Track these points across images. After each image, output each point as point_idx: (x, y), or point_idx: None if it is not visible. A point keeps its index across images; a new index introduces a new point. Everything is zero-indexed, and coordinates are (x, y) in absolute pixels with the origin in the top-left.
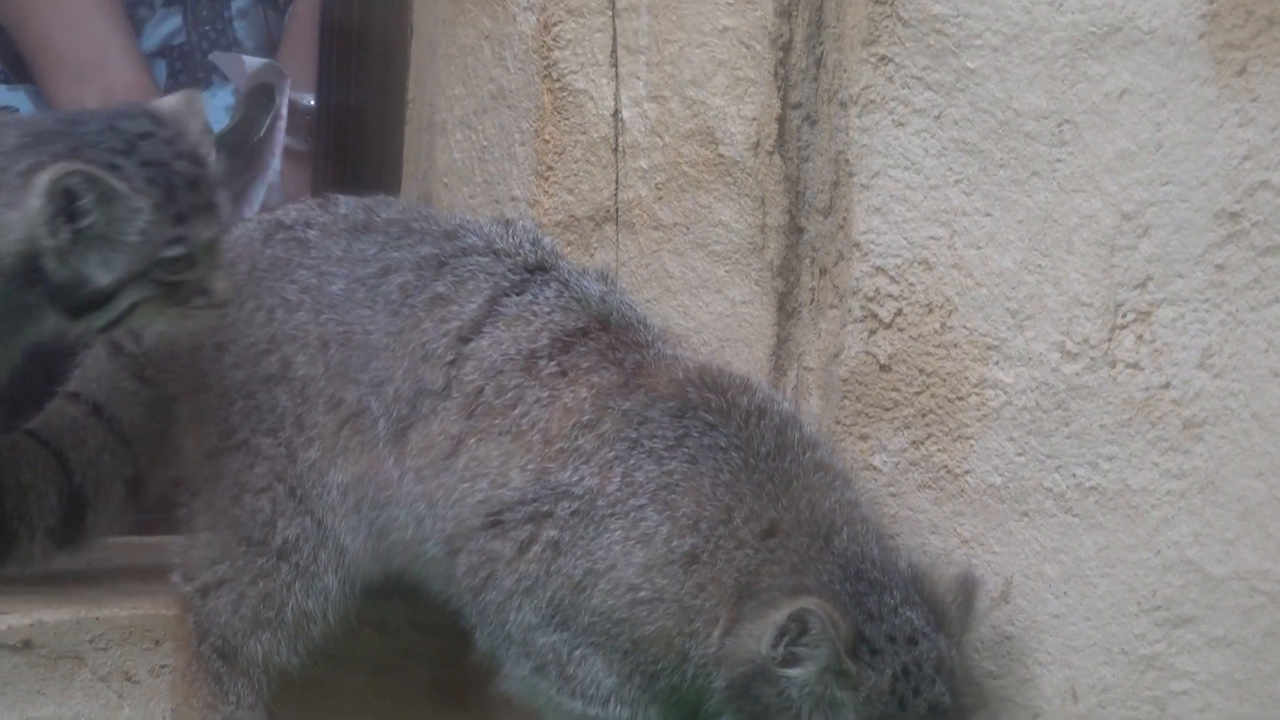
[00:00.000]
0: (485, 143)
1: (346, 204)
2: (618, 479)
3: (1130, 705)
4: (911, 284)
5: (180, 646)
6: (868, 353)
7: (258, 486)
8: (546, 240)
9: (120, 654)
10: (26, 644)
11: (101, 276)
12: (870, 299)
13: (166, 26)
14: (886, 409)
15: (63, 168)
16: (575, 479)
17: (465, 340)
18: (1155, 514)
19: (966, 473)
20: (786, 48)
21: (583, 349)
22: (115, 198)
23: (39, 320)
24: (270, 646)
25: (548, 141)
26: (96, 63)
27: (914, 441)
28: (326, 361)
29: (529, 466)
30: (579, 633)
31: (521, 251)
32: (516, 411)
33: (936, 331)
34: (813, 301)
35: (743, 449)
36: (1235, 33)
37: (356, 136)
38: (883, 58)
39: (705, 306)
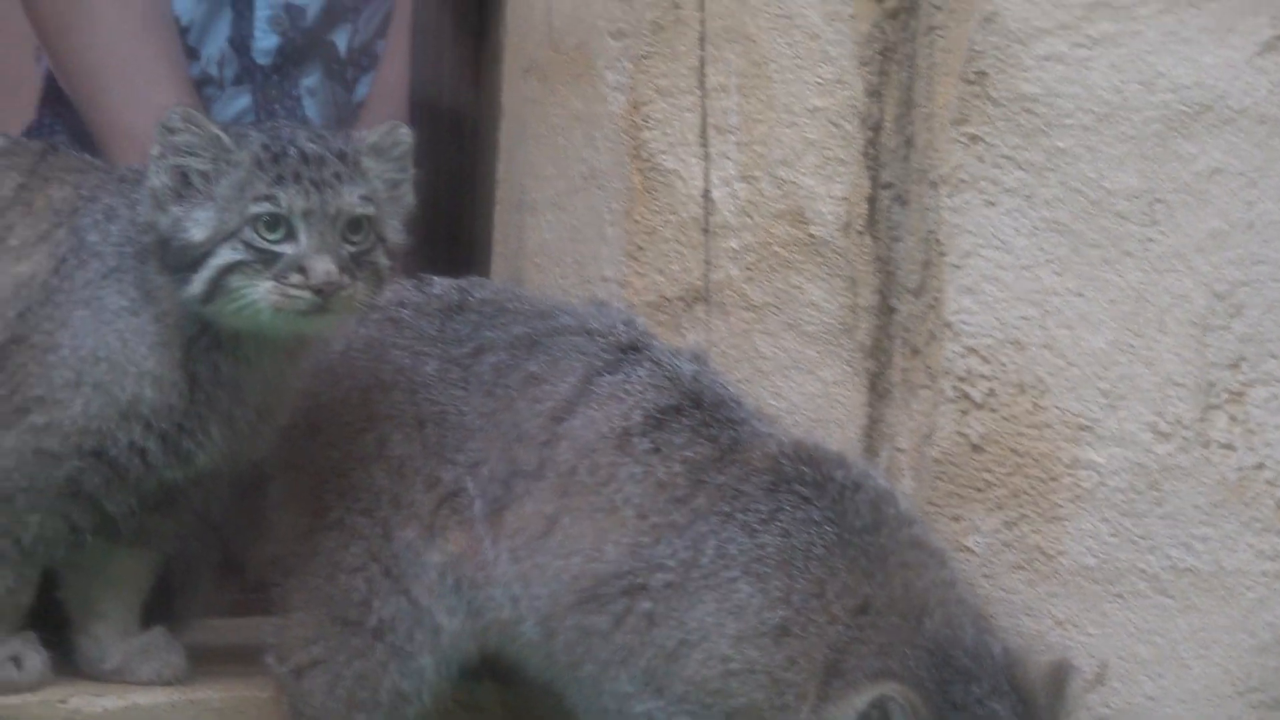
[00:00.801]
0: (576, 223)
1: (440, 284)
2: (711, 551)
3: None
4: (1003, 364)
5: None
6: (960, 433)
7: (353, 565)
8: (639, 320)
9: None
10: None
11: (196, 229)
12: (962, 379)
13: (236, 105)
14: (979, 490)
15: (175, 109)
16: (669, 552)
17: (559, 420)
18: (1250, 595)
19: (1060, 554)
20: (876, 127)
21: (676, 425)
22: (218, 143)
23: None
24: None
25: (638, 222)
26: None
27: (1007, 522)
28: (423, 440)
29: (623, 541)
30: (673, 701)
31: (615, 331)
32: (610, 488)
33: (1029, 412)
34: (904, 382)
35: (837, 523)
36: None
37: (445, 217)
38: (973, 137)
39: (797, 387)
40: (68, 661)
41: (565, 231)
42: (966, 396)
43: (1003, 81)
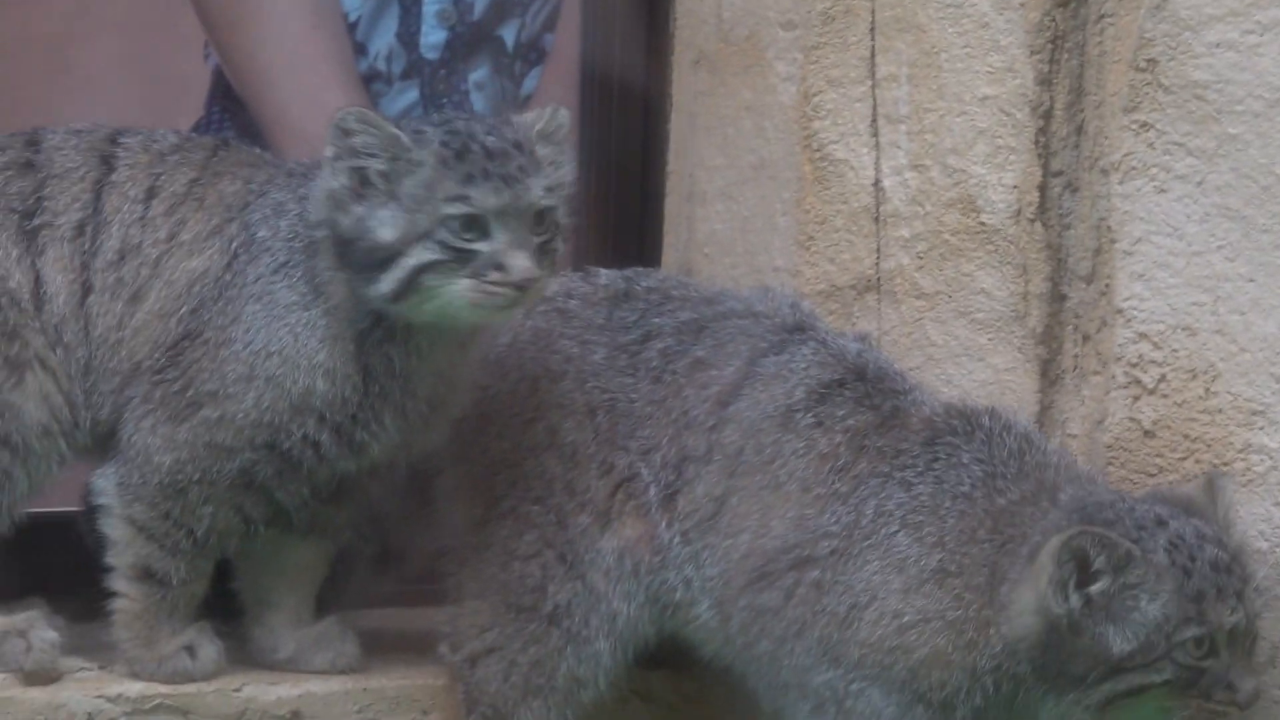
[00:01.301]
0: (746, 213)
1: (606, 275)
2: (871, 512)
3: None
4: (1175, 350)
5: (449, 717)
6: (1132, 419)
7: (527, 553)
8: (805, 304)
9: None
10: (295, 714)
11: (385, 230)
12: (1134, 365)
13: (404, 99)
14: (1151, 475)
15: (348, 111)
16: (833, 520)
17: (725, 405)
18: None
19: None
20: (1047, 115)
21: (838, 399)
22: (397, 143)
23: (330, 287)
24: (540, 714)
25: (809, 211)
26: None
27: None
28: (595, 428)
29: (788, 515)
30: (851, 668)
31: (780, 313)
32: (774, 466)
33: (1200, 397)
34: (1076, 368)
35: (985, 461)
36: None
37: (616, 209)
38: (1144, 124)
39: (968, 375)
40: (242, 651)
41: (735, 222)
42: (1138, 382)
43: (1173, 69)
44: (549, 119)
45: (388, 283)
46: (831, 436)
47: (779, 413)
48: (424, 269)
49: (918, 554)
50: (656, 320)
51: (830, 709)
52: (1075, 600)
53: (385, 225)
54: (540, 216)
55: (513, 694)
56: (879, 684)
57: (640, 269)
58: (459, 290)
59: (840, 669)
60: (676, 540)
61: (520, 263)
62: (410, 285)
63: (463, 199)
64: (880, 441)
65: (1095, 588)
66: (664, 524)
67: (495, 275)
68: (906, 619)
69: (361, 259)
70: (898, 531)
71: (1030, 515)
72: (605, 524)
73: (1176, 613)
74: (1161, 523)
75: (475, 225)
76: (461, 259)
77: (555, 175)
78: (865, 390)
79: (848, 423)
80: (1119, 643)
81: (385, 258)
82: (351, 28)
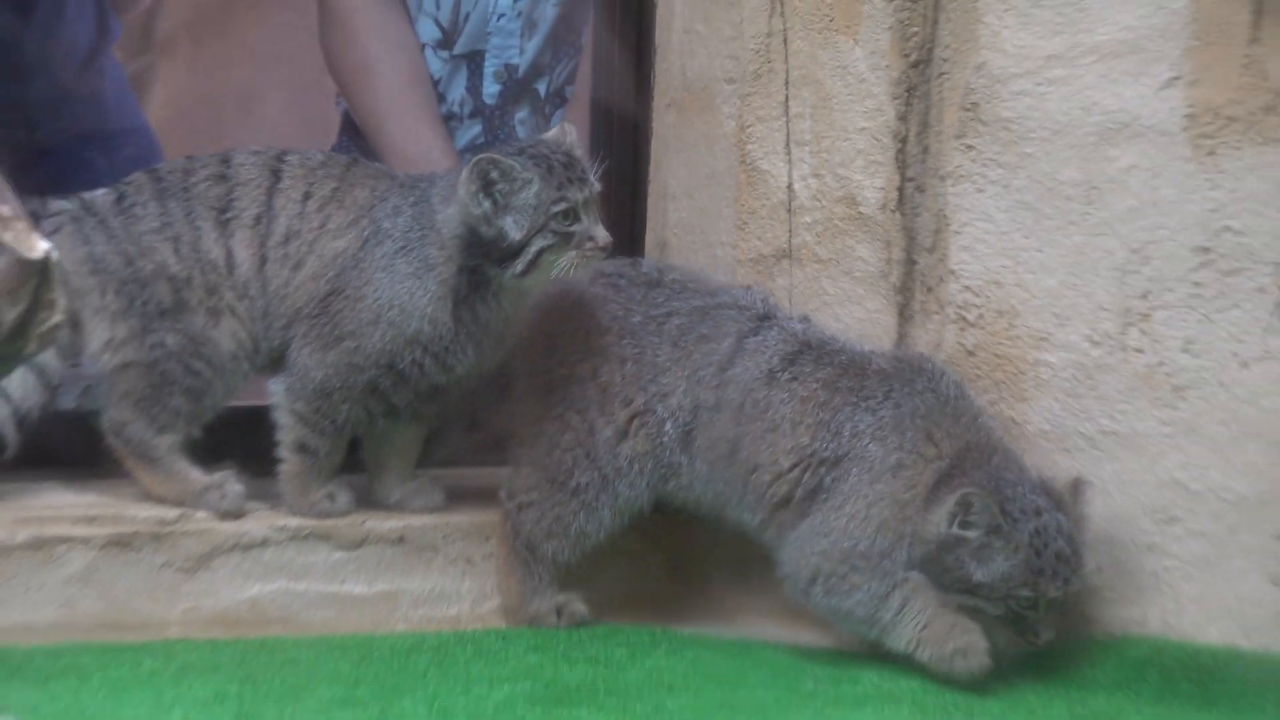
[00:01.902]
0: (702, 206)
1: (646, 265)
2: (847, 433)
3: (1137, 578)
4: (989, 297)
5: (501, 541)
6: (959, 344)
7: (565, 447)
8: (771, 298)
9: (463, 546)
10: (401, 538)
11: (515, 231)
12: (961, 308)
13: (470, 132)
14: (972, 381)
15: (479, 158)
16: (821, 443)
17: (724, 369)
18: (1154, 449)
19: (1026, 423)
20: (904, 140)
21: (803, 361)
22: (513, 172)
23: (483, 276)
24: (557, 550)
25: (743, 205)
26: (425, 157)
27: (991, 402)
28: (624, 373)
29: (789, 446)
30: (836, 536)
31: (755, 306)
32: (769, 413)
33: (1005, 329)
34: (922, 310)
35: (934, 394)
36: (1207, 127)
37: (616, 203)
38: (969, 146)
39: (850, 313)
40: (366, 498)
41: (695, 212)
42: (964, 319)
43: (989, 109)
44: (570, 134)
45: (520, 265)
46: (808, 385)
47: (764, 375)
48: (544, 250)
49: (882, 455)
50: (676, 304)
51: (823, 572)
52: (955, 530)
53: (514, 228)
54: (596, 200)
55: (539, 534)
56: (855, 548)
57: (668, 264)
58: (569, 259)
59: (829, 538)
60: (700, 464)
61: (602, 232)
62: (535, 263)
63: (563, 199)
64: (847, 383)
65: (969, 532)
66: (679, 449)
67: (589, 245)
68: (870, 498)
69: (499, 254)
70: (869, 444)
71: (975, 463)
72: (622, 438)
73: (1018, 576)
74: (1038, 513)
75: (571, 214)
76: (566, 239)
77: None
78: (818, 354)
79: (818, 375)
80: (976, 574)
81: (517, 249)
82: (435, 83)
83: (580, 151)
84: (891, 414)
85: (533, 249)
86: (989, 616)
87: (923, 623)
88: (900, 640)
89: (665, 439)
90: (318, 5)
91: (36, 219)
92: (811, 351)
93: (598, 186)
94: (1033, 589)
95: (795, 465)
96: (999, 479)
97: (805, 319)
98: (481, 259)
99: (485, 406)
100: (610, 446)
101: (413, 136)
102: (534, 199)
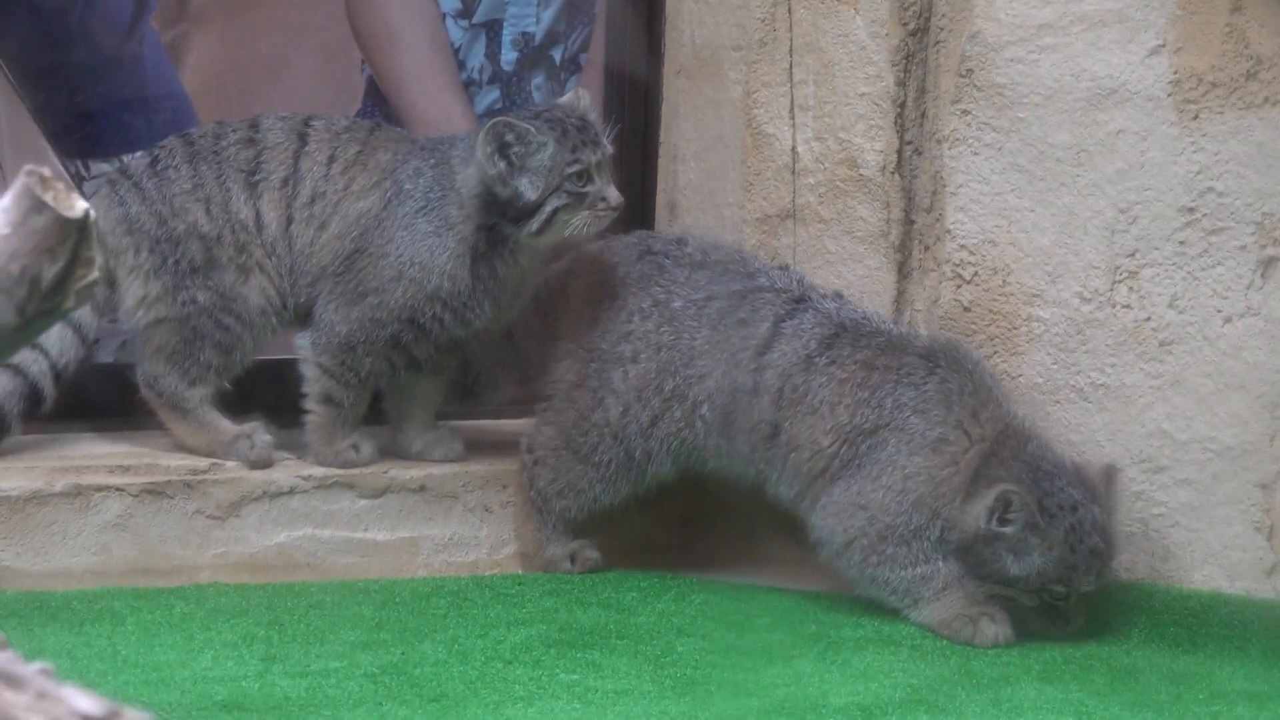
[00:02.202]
0: (710, 169)
1: (692, 245)
2: (890, 405)
3: (1124, 525)
4: (984, 255)
5: (519, 491)
6: (956, 300)
7: (594, 422)
8: (806, 278)
9: (481, 494)
10: (422, 487)
11: (530, 192)
12: (957, 265)
13: (489, 97)
14: (968, 335)
15: (495, 120)
16: (862, 419)
17: (761, 354)
18: (1141, 401)
19: (1020, 376)
20: (902, 105)
21: (840, 344)
22: (528, 135)
23: (500, 234)
24: (566, 508)
25: (750, 167)
26: (446, 121)
27: (986, 356)
28: (659, 360)
29: (830, 427)
30: (875, 509)
31: (791, 289)
32: (809, 398)
33: (1000, 286)
34: (920, 267)
35: (974, 377)
36: (1190, 93)
37: (628, 165)
38: (964, 111)
39: (851, 271)
40: (389, 448)
41: (703, 175)
42: (960, 276)
43: (983, 75)
44: (584, 99)
45: (536, 223)
46: (845, 367)
47: (801, 360)
48: (559, 210)
49: (924, 428)
50: (716, 287)
51: (859, 541)
52: (994, 527)
53: (529, 188)
54: (610, 161)
55: (552, 491)
56: (890, 517)
57: (714, 243)
58: (581, 219)
59: (868, 511)
60: (741, 445)
61: (614, 193)
62: (550, 222)
63: (577, 160)
64: (886, 361)
65: (1006, 529)
66: (716, 432)
67: (602, 205)
68: (909, 469)
69: (515, 213)
70: (910, 416)
71: (1014, 449)
72: (655, 423)
73: (1053, 571)
74: (1074, 508)
75: (584, 175)
76: (579, 199)
77: (607, 133)
78: (854, 335)
79: (856, 356)
80: (1012, 569)
81: (532, 209)
82: (456, 50)
83: (593, 115)
84: (937, 389)
85: (548, 208)
86: (1024, 608)
87: (955, 611)
88: (931, 619)
89: (699, 424)
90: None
91: (80, 181)
92: (848, 334)
93: (610, 149)
94: (1066, 584)
95: (835, 442)
96: (1036, 470)
97: (839, 296)
98: (499, 218)
99: (535, 361)
100: (641, 430)
101: (434, 100)
102: (549, 160)
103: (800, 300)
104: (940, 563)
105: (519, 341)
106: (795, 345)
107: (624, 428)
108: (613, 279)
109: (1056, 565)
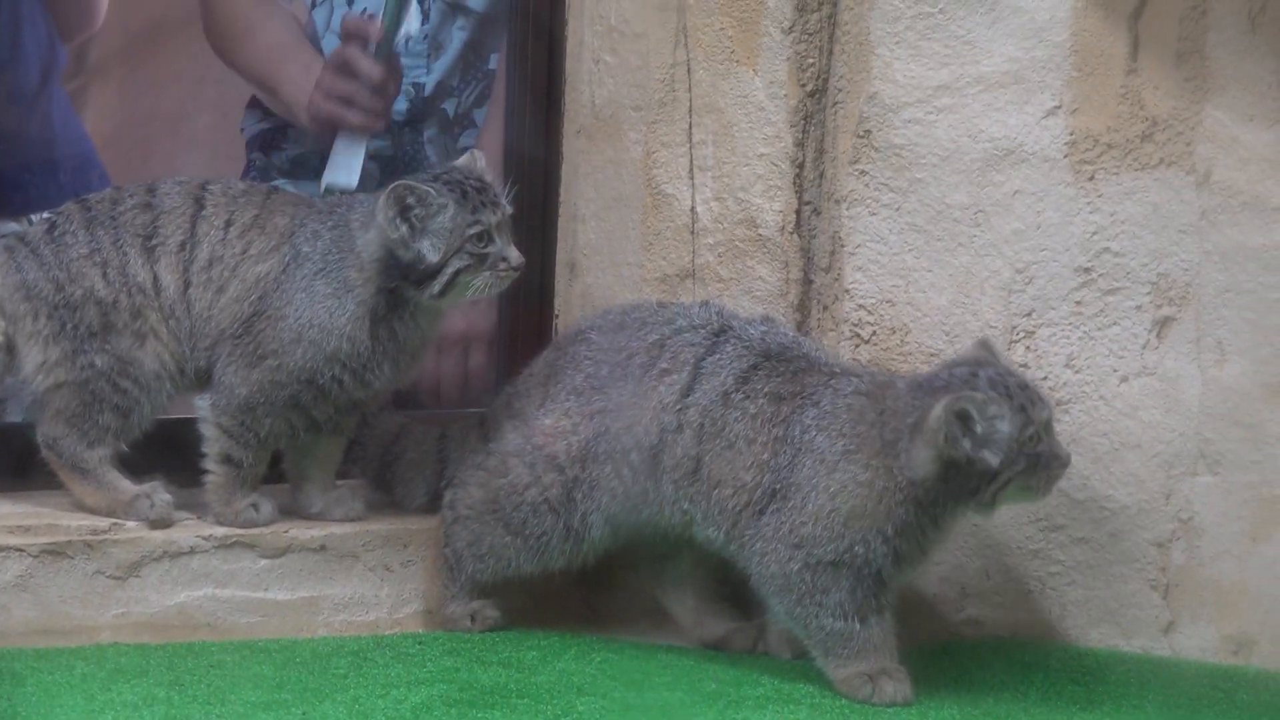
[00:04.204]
0: (610, 229)
1: (614, 312)
2: (797, 431)
3: (1023, 583)
4: (882, 315)
5: (431, 545)
6: (854, 359)
7: (525, 497)
8: (725, 308)
9: (382, 553)
10: (323, 547)
11: (432, 254)
12: (855, 325)
13: (377, 144)
14: None
15: (396, 184)
16: (781, 457)
17: (685, 395)
18: None
19: None
20: (801, 166)
21: (757, 376)
22: (429, 197)
23: (400, 296)
24: (479, 570)
25: (650, 227)
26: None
27: None
28: (593, 427)
29: (750, 463)
30: (807, 543)
31: (710, 322)
32: (726, 432)
33: (898, 345)
34: (819, 327)
35: (858, 375)
36: (1087, 154)
37: (528, 224)
38: (862, 171)
39: None
40: (288, 508)
41: (603, 234)
42: (859, 336)
43: (881, 136)
44: (479, 161)
45: (437, 286)
46: (758, 401)
47: (720, 396)
48: (460, 272)
49: (829, 444)
50: (635, 343)
51: (796, 582)
52: (966, 444)
53: (431, 251)
54: (510, 222)
55: (469, 552)
56: (825, 545)
57: (637, 303)
58: (483, 280)
59: (802, 549)
60: (667, 484)
61: (515, 254)
62: (451, 284)
63: (478, 222)
64: (793, 388)
65: (978, 430)
66: (645, 476)
67: (503, 265)
68: (832, 489)
69: (417, 276)
70: (816, 435)
71: (890, 401)
72: (592, 487)
73: (1018, 423)
74: (974, 375)
75: (485, 236)
76: (480, 259)
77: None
78: (774, 364)
79: (766, 388)
80: (993, 459)
81: (434, 271)
82: None
83: (491, 177)
84: (830, 403)
85: (449, 270)
86: (1020, 477)
87: (856, 669)
88: (835, 675)
89: (626, 471)
90: (201, 13)
91: None
92: (768, 362)
93: (509, 210)
94: (1029, 423)
95: (756, 476)
96: (934, 383)
97: (768, 320)
98: (400, 280)
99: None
100: (574, 505)
101: (308, 70)
102: (449, 222)
103: (720, 332)
104: (859, 625)
105: (449, 447)
106: (714, 382)
107: (561, 501)
108: (557, 361)
109: (1015, 416)
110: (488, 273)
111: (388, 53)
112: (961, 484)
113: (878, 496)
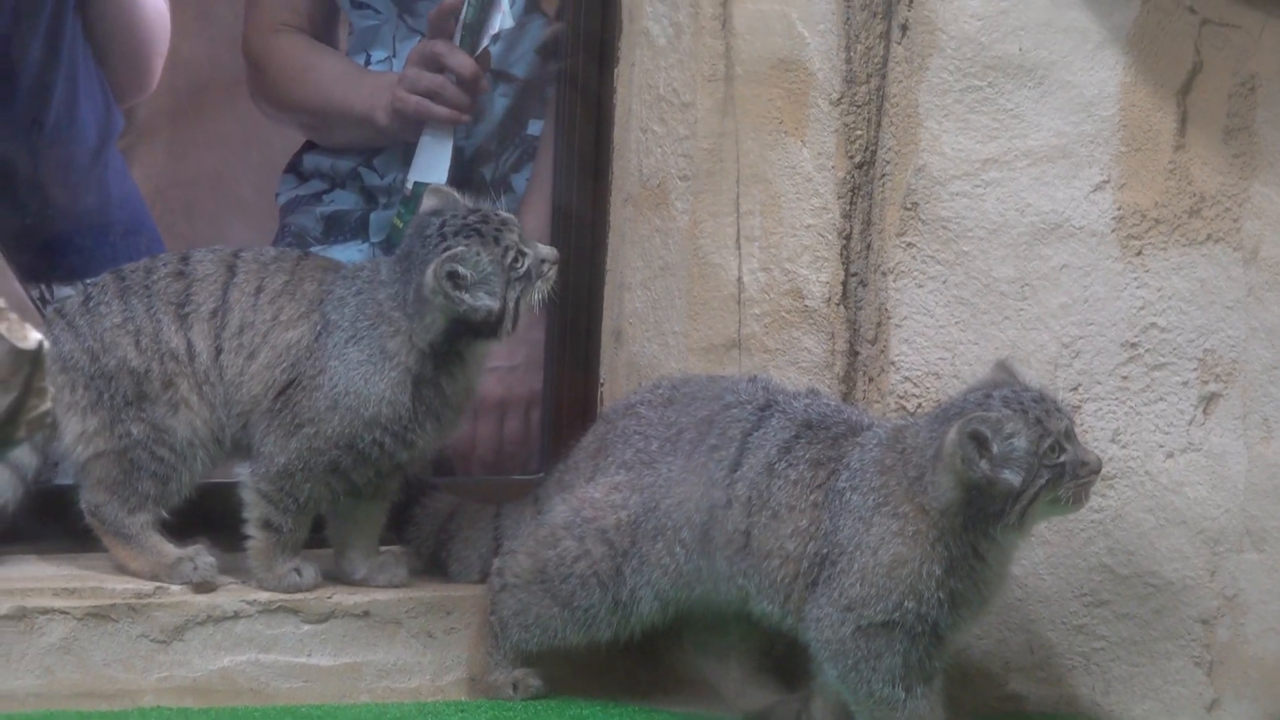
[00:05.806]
0: (656, 297)
1: (662, 383)
2: (836, 496)
3: (1066, 658)
4: (928, 388)
5: (482, 608)
6: None
7: (578, 571)
8: (773, 382)
9: (425, 620)
10: (366, 613)
11: (492, 301)
12: (901, 398)
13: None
14: None
15: (443, 257)
16: (821, 517)
17: (734, 470)
18: (1083, 535)
19: None
20: (848, 237)
21: (798, 445)
22: (477, 260)
23: (451, 354)
24: (527, 638)
25: (696, 296)
26: (378, 103)
27: None
28: (644, 501)
29: (794, 532)
30: (856, 603)
31: (756, 398)
32: (771, 502)
33: None
34: (865, 399)
35: (888, 428)
36: (1134, 229)
37: (574, 292)
38: (909, 244)
39: None
40: (332, 573)
41: (649, 303)
42: (904, 409)
43: (928, 209)
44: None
45: (507, 326)
46: (799, 468)
47: (765, 468)
48: (518, 306)
49: (862, 501)
50: (684, 419)
51: (851, 651)
52: (984, 465)
53: (488, 300)
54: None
55: (515, 621)
56: (875, 604)
57: (686, 378)
58: (536, 291)
59: (853, 612)
60: (721, 561)
61: (547, 249)
62: (516, 317)
63: (520, 264)
64: (831, 453)
65: (994, 450)
66: (700, 557)
67: (545, 265)
68: (872, 544)
69: (479, 324)
70: (850, 495)
71: (910, 439)
72: (642, 562)
73: (1034, 437)
74: (988, 395)
75: (530, 274)
76: (529, 291)
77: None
78: (814, 432)
79: (807, 455)
80: (1014, 478)
81: (498, 317)
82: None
83: (507, 214)
84: (858, 460)
85: (510, 309)
86: (1047, 491)
87: None
88: None
89: (679, 549)
90: (249, 73)
91: (43, 305)
92: (809, 430)
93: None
94: (1047, 434)
95: (800, 544)
96: (950, 410)
97: (813, 393)
98: (465, 333)
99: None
100: (624, 579)
101: (380, 81)
102: (499, 272)
103: (766, 407)
104: (904, 694)
105: (503, 525)
106: (760, 456)
107: (610, 575)
108: (607, 434)
109: (1031, 430)
110: (539, 281)
111: (473, 43)
112: (987, 506)
113: (913, 539)
